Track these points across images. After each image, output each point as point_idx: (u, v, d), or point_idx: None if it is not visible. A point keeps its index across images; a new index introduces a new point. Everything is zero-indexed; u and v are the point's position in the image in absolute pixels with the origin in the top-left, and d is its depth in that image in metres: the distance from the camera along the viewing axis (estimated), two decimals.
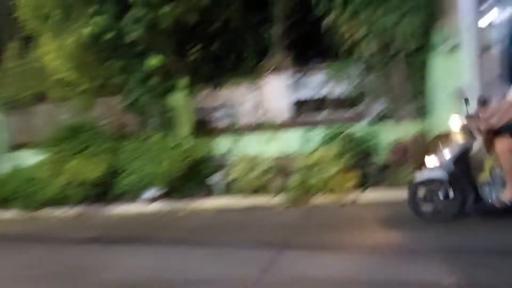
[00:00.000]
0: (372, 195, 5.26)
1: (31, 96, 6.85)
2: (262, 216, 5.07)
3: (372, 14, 5.52)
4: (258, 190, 5.69)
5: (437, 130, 5.28)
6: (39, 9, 6.03)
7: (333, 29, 5.83)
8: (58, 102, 6.99)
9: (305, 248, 3.43)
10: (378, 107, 6.18)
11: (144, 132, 6.68)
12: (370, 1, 5.51)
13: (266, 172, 5.78)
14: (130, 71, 6.43)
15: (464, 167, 3.61)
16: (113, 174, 6.27)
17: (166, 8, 5.63)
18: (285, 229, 4.23)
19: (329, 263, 2.94)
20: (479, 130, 3.49)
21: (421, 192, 3.77)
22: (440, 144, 3.92)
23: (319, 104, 6.76)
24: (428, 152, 4.12)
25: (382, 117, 6.14)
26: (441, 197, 3.69)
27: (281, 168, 5.89)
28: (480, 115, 3.51)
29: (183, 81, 6.51)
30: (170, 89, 6.53)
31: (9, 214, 6.83)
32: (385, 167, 5.74)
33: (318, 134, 6.37)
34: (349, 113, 6.52)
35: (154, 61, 6.04)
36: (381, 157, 5.98)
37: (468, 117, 3.63)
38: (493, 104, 3.55)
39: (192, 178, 6.19)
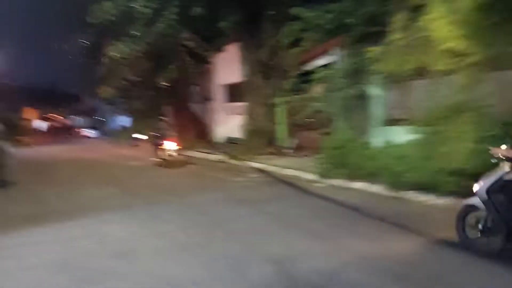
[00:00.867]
0: None
1: (411, 70, 6.41)
2: None
3: None
4: None
5: None
6: None
7: None
8: (440, 76, 6.19)
9: None
10: None
11: None
12: None
13: None
14: None
15: (502, 197, 3.41)
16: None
17: None
18: None
19: None
20: None
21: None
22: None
23: None
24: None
25: None
26: (480, 227, 3.58)
27: None
28: None
29: None
30: None
31: (374, 188, 6.95)
32: None
33: None
34: None
35: None
36: None
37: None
38: None
39: None
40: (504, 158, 3.44)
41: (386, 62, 6.90)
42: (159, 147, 11.71)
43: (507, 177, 3.35)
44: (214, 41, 15.57)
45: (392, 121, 8.12)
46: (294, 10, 10.22)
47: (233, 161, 12.28)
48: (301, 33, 10.82)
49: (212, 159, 13.35)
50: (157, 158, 11.81)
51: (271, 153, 12.23)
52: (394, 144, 7.05)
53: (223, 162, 12.68)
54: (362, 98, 8.36)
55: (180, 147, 11.70)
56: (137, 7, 9.50)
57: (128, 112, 28.93)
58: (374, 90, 8.38)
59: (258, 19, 12.44)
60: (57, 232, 5.10)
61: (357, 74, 8.22)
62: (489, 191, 3.46)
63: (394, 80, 7.60)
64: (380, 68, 7.21)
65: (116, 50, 10.51)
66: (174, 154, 11.37)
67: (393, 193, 6.43)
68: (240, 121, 15.71)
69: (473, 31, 5.18)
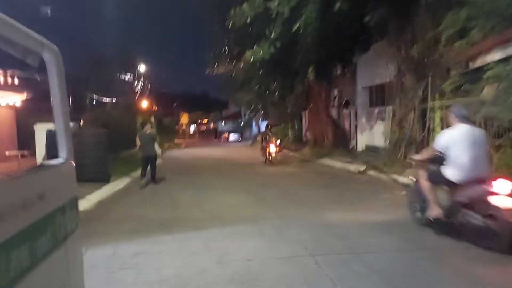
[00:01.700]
0: None
1: None
2: None
3: None
4: None
5: None
6: None
7: None
8: None
9: None
10: None
11: None
12: None
13: None
14: None
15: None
16: None
17: None
18: None
19: None
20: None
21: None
22: None
23: None
24: None
25: None
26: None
27: None
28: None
29: None
30: None
31: None
32: None
33: None
34: None
35: None
36: None
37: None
38: None
39: None
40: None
41: None
42: (266, 148, 15.04)
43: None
44: (357, 39, 14.29)
45: None
46: None
47: (375, 174, 10.83)
48: (468, 22, 8.75)
49: (351, 170, 12.11)
50: (263, 157, 15.42)
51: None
52: None
53: (363, 173, 11.33)
54: None
55: (279, 150, 15.52)
56: (272, 7, 9.06)
57: (266, 117, 29.81)
58: None
59: (411, 11, 10.71)
60: (180, 243, 4.80)
61: None
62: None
63: None
64: None
65: (252, 54, 10.28)
66: (274, 154, 14.89)
67: None
68: (384, 128, 14.02)
69: None
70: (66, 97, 2.31)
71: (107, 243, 4.81)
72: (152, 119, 28.43)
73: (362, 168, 11.87)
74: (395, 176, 9.94)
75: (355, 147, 17.25)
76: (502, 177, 4.48)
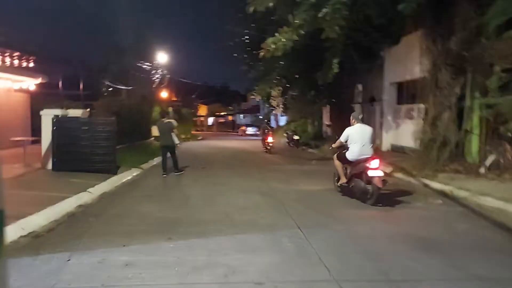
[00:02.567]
0: None
1: None
2: None
3: None
4: None
5: None
6: None
7: None
8: None
9: None
10: None
11: None
12: None
13: None
14: None
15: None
16: None
17: None
18: None
19: None
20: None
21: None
22: None
23: None
24: None
25: None
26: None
27: None
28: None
29: None
30: None
31: None
32: None
33: None
34: None
35: None
36: None
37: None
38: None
39: None
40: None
41: None
42: (265, 140, 17.90)
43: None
44: (387, 30, 13.25)
45: None
46: None
47: (403, 176, 9.90)
48: None
49: None
50: (263, 147, 18.24)
51: (456, 171, 9.33)
52: None
53: (389, 175, 10.41)
54: None
55: (274, 141, 18.33)
56: None
57: (286, 111, 28.93)
58: None
59: None
60: (181, 252, 4.09)
61: None
62: None
63: None
64: None
65: (274, 42, 9.45)
66: (272, 145, 17.60)
67: None
68: (414, 127, 13.01)
69: None
70: None
71: (97, 248, 4.15)
72: (170, 109, 28.04)
73: (388, 169, 10.95)
74: (426, 181, 9.00)
75: (379, 146, 16.24)
76: (375, 157, 6.66)
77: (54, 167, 9.11)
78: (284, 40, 9.30)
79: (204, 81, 53.04)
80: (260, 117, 47.10)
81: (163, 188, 8.32)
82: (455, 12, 9.66)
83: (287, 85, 15.59)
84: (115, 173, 9.20)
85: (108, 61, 19.53)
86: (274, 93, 14.88)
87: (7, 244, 1.63)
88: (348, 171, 7.13)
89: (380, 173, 6.48)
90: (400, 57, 14.25)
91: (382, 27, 12.93)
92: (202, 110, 61.45)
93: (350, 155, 6.94)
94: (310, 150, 19.90)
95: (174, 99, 37.85)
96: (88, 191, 7.09)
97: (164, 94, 29.64)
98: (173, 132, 10.09)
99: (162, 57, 24.70)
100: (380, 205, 6.34)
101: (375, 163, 6.49)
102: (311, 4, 8.97)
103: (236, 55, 16.99)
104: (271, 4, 9.22)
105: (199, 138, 32.15)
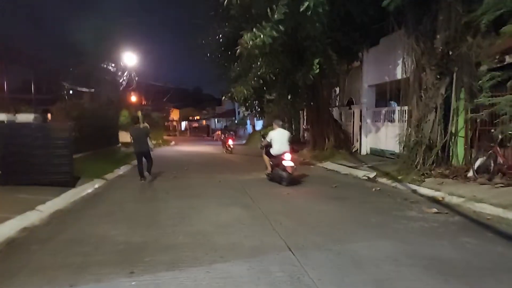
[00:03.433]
0: None
1: None
2: None
3: None
4: None
5: None
6: None
7: None
8: None
9: None
10: None
11: None
12: None
13: None
14: None
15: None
16: None
17: None
18: None
19: None
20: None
21: None
22: None
23: None
24: None
25: None
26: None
27: None
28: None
29: None
30: None
31: None
32: None
33: None
34: None
35: None
36: None
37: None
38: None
39: None
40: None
41: None
42: (226, 143, 20.92)
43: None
44: (367, 30, 12.79)
45: None
46: None
47: (388, 182, 9.36)
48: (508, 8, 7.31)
49: (359, 176, 10.63)
50: (223, 149, 21.34)
51: (443, 175, 8.88)
52: None
53: (373, 180, 9.86)
54: None
55: (234, 143, 21.58)
56: None
57: (262, 115, 28.21)
58: None
59: None
60: None
61: None
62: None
63: None
64: None
65: (251, 38, 8.68)
66: (232, 147, 20.55)
67: None
68: (395, 130, 12.59)
69: None
70: None
71: None
72: (140, 113, 26.70)
73: (372, 174, 10.41)
74: (413, 186, 8.49)
75: (358, 150, 15.79)
76: (289, 152, 9.19)
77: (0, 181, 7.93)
78: (263, 36, 8.55)
79: (176, 84, 51.55)
80: (236, 121, 46.24)
81: (128, 203, 7.32)
82: (439, 9, 9.25)
83: (264, 88, 14.82)
84: (73, 186, 8.14)
85: (69, 62, 18.15)
86: (249, 95, 14.13)
87: None
88: (272, 163, 9.64)
89: (291, 163, 9.03)
90: (379, 59, 13.85)
91: (362, 26, 12.47)
92: (174, 114, 59.91)
93: (273, 151, 9.55)
94: None
95: (144, 102, 36.39)
96: (37, 209, 6.04)
97: (132, 97, 28.26)
98: (148, 137, 10.06)
99: (129, 58, 23.41)
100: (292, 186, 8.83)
101: (288, 156, 9.11)
102: None
103: (208, 55, 16.03)
104: None
105: (171, 143, 30.91)
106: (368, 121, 15.18)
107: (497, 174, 7.93)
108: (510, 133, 7.59)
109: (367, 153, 15.15)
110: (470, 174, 8.47)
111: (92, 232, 5.17)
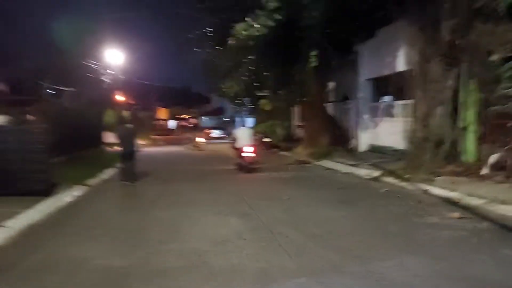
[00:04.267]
0: None
1: None
2: None
3: None
4: None
5: None
6: None
7: None
8: None
9: None
10: None
11: None
12: None
13: None
14: None
15: None
16: None
17: None
18: None
19: None
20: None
21: None
22: None
23: None
24: None
25: None
26: None
27: None
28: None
29: None
30: None
31: None
32: None
33: None
34: None
35: None
36: None
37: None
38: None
39: None
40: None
41: None
42: (194, 140, 22.56)
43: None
44: (364, 21, 12.11)
45: None
46: None
47: (395, 181, 8.70)
48: None
49: (361, 175, 9.96)
50: (192, 147, 22.24)
51: (455, 173, 8.27)
52: None
53: (378, 180, 9.21)
54: None
55: (204, 141, 23.30)
56: None
57: (253, 112, 27.43)
58: None
59: None
60: None
61: None
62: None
63: None
64: None
65: (245, 28, 7.92)
66: (201, 144, 21.86)
67: None
68: (394, 126, 11.96)
69: None
70: None
71: None
72: (125, 113, 25.65)
73: (375, 173, 9.75)
74: (423, 186, 7.83)
75: (356, 147, 15.15)
76: (248, 145, 10.98)
77: None
78: (258, 26, 7.78)
79: (164, 82, 50.30)
80: (224, 119, 45.40)
81: (112, 214, 6.51)
82: None
83: (255, 83, 14.08)
84: (49, 195, 7.27)
85: (48, 60, 17.07)
86: (240, 92, 13.39)
87: None
88: (237, 154, 11.43)
89: (250, 154, 10.95)
90: (376, 51, 13.19)
91: (357, 17, 11.79)
92: (162, 113, 58.74)
93: (238, 144, 11.32)
94: (281, 152, 18.55)
95: (131, 102, 35.27)
96: (4, 226, 5.19)
97: (118, 96, 27.21)
98: (135, 137, 10.01)
99: (113, 56, 22.34)
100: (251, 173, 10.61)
101: (247, 149, 10.98)
102: None
103: (196, 49, 15.19)
104: None
105: (159, 143, 29.94)
106: (366, 116, 14.54)
107: (501, 170, 7.37)
108: None
109: (365, 150, 14.51)
110: (484, 171, 7.87)
111: (66, 254, 4.36)
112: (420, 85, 9.39)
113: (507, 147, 7.44)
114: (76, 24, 18.91)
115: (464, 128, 8.77)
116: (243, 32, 7.85)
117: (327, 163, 12.68)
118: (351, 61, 15.22)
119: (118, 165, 10.66)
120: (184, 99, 64.59)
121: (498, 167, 7.69)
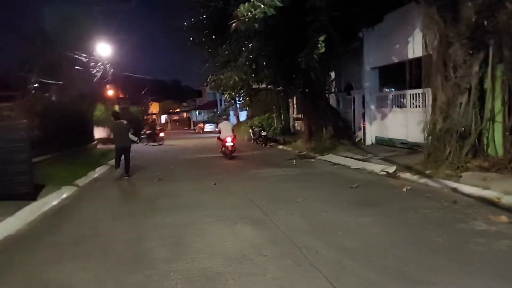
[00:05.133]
0: None
1: None
2: None
3: None
4: None
5: None
6: None
7: None
8: None
9: None
10: None
11: None
12: None
13: None
14: None
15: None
16: None
17: None
18: None
19: None
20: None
21: None
22: None
23: None
24: None
25: None
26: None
27: None
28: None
29: None
30: None
31: None
32: None
33: None
34: None
35: None
36: None
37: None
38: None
39: None
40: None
41: None
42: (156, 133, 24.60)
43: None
44: (370, 6, 11.30)
45: None
46: None
47: (414, 178, 7.95)
48: None
49: (374, 171, 9.20)
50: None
51: (483, 168, 7.53)
52: None
53: (395, 176, 8.45)
54: None
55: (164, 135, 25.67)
56: None
57: (248, 105, 26.57)
58: None
59: None
60: None
61: None
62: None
63: None
64: None
65: (249, 10, 7.04)
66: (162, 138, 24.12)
67: None
68: (405, 117, 11.23)
69: None
70: None
71: None
72: (117, 107, 24.64)
73: (391, 169, 9.00)
74: (450, 183, 7.08)
75: (362, 139, 14.40)
76: (229, 136, 13.33)
77: None
78: (264, 6, 6.90)
79: (154, 76, 49.23)
80: (217, 113, 44.45)
81: (104, 221, 5.65)
82: None
83: (252, 74, 13.22)
84: (33, 199, 6.41)
85: (34, 52, 15.96)
86: (238, 83, 12.58)
87: None
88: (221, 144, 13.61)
89: (230, 143, 13.18)
90: (383, 38, 12.41)
91: (363, 1, 10.97)
92: (154, 107, 57.59)
93: (221, 136, 13.45)
94: (280, 146, 17.78)
95: (121, 96, 34.13)
96: None
97: (109, 91, 26.12)
98: (130, 132, 10.04)
99: (103, 48, 21.26)
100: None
101: (228, 139, 13.18)
102: None
103: (191, 39, 14.23)
104: None
105: (157, 140, 28.98)
106: (372, 107, 13.78)
107: None
108: None
109: (372, 143, 13.78)
110: None
111: (49, 278, 3.51)
112: (439, 72, 8.60)
113: None
114: (64, 13, 17.84)
115: (491, 119, 8.02)
116: (247, 13, 6.95)
117: (332, 158, 11.90)
118: (355, 48, 14.41)
119: (111, 162, 10.45)
120: (175, 93, 63.46)
121: None
